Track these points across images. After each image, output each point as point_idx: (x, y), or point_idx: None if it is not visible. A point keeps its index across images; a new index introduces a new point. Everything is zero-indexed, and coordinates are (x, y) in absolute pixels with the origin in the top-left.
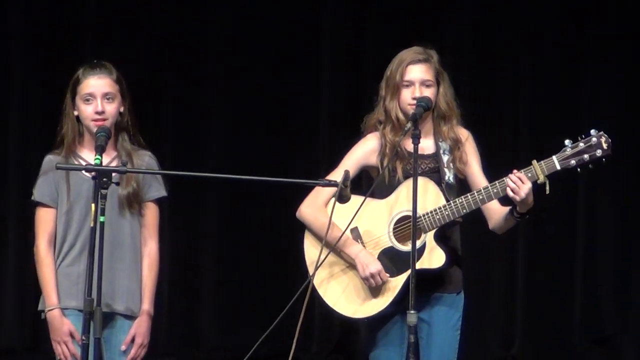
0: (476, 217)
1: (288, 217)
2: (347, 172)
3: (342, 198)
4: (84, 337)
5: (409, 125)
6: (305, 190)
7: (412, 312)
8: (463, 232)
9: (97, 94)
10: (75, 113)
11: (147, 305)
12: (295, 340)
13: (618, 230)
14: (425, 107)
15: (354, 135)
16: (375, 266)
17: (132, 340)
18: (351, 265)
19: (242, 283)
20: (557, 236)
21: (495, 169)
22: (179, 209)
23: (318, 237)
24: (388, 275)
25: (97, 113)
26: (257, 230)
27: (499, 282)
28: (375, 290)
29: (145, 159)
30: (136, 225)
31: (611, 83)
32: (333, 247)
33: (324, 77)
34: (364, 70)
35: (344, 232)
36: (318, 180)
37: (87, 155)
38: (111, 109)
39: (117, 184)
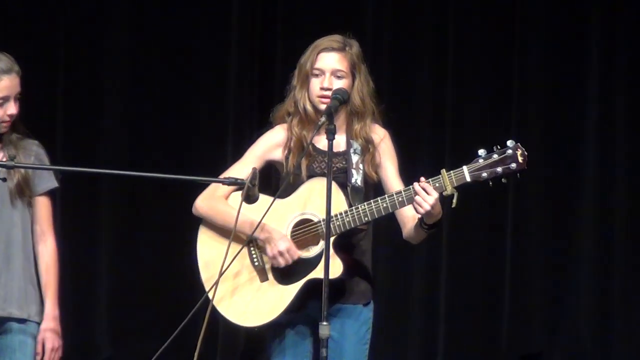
0: (397, 223)
1: (190, 217)
2: (254, 170)
3: (249, 198)
4: None
5: (322, 119)
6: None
7: (324, 324)
8: (382, 239)
9: (12, 95)
10: None
11: (51, 306)
12: (197, 352)
13: (549, 243)
14: (341, 100)
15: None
16: (284, 244)
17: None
18: (251, 272)
19: (141, 290)
20: (484, 246)
21: (415, 171)
22: (74, 208)
23: (217, 226)
24: (300, 253)
25: (10, 115)
26: (155, 234)
27: (420, 293)
28: (269, 298)
29: (34, 148)
30: (27, 221)
31: (540, 80)
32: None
33: (232, 64)
34: (274, 59)
35: (257, 227)
36: (223, 179)
37: None
38: (17, 107)
39: (4, 179)
